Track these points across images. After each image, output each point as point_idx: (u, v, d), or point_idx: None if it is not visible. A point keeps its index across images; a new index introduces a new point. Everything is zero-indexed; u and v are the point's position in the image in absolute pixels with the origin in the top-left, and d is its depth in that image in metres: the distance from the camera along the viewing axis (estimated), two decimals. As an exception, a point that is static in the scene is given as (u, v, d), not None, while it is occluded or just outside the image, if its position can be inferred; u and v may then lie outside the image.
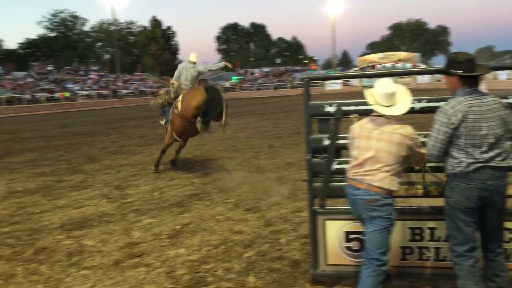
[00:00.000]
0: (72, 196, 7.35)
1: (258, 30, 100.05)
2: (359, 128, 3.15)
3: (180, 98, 8.60)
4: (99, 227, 5.64)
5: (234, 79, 69.28)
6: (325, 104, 3.69)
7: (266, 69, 71.32)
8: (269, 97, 53.04)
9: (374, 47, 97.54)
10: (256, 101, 41.81)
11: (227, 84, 68.54)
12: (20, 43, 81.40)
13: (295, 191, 6.84)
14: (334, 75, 9.66)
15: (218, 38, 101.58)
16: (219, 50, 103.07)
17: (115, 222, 5.81)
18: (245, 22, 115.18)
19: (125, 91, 57.12)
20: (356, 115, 3.51)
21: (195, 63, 9.30)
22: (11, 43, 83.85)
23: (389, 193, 3.04)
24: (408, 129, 3.04)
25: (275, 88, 61.06)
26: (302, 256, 4.33)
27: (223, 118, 8.23)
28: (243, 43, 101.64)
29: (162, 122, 9.65)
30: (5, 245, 5.11)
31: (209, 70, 10.37)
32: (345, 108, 3.61)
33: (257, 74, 69.13)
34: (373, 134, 3.06)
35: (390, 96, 3.03)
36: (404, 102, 3.08)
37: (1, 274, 4.27)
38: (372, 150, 3.04)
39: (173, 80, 9.41)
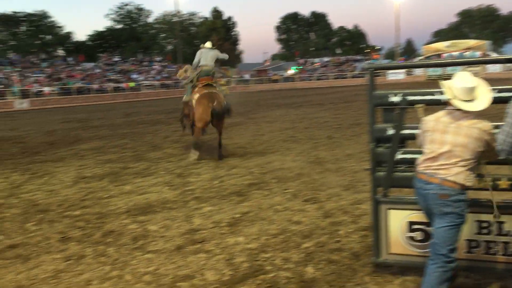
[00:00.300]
0: (137, 182, 7.65)
1: (318, 19, 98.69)
2: (434, 121, 3.04)
3: (196, 97, 9.51)
4: (162, 213, 5.83)
5: (294, 69, 68.92)
6: (390, 94, 3.61)
7: (326, 59, 70.38)
8: (329, 87, 52.36)
9: (440, 35, 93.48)
10: (315, 91, 41.42)
11: (285, 74, 68.39)
12: (89, 35, 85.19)
13: (354, 183, 6.74)
14: (399, 64, 9.35)
15: (278, 28, 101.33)
16: (279, 40, 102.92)
17: (177, 208, 5.99)
18: (305, 11, 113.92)
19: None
20: (421, 105, 3.41)
21: (211, 48, 10.61)
22: (81, 35, 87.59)
23: (463, 189, 2.93)
24: (486, 124, 2.91)
25: (335, 78, 60.16)
26: (361, 249, 4.27)
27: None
28: (303, 32, 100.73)
29: (184, 97, 10.59)
30: (76, 227, 5.41)
31: (222, 58, 11.26)
32: (410, 98, 3.53)
33: (316, 64, 68.37)
34: (449, 128, 2.95)
35: (469, 90, 2.91)
36: (484, 97, 2.94)
37: (73, 254, 4.53)
38: (448, 144, 2.93)
39: (186, 67, 11.15)
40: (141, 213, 5.85)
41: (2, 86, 43.93)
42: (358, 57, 69.39)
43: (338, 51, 76.74)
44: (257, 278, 3.82)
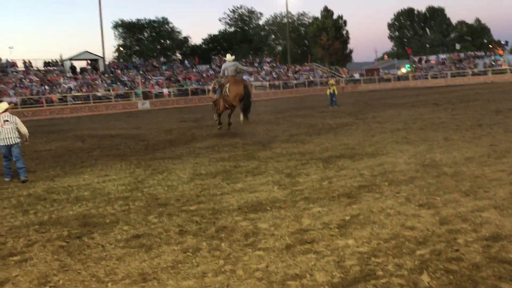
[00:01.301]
0: (248, 180, 7.89)
1: (435, 14, 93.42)
2: None
3: (228, 86, 14.79)
4: (272, 211, 5.95)
5: (407, 67, 65.98)
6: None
7: (442, 56, 66.27)
8: (446, 86, 49.35)
9: None
10: (431, 91, 39.27)
11: (398, 72, 65.73)
12: (203, 39, 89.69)
13: (475, 189, 6.28)
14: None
15: (391, 25, 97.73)
16: (391, 38, 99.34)
17: (286, 208, 6.07)
18: (421, 6, 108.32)
19: (295, 82, 58.86)
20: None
21: (232, 61, 15.20)
22: (197, 39, 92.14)
23: None
24: None
25: (452, 76, 56.47)
26: (483, 260, 3.96)
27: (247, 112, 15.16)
28: (418, 28, 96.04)
29: (214, 96, 15.77)
30: (192, 221, 5.73)
31: (241, 69, 16.12)
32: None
33: (432, 62, 64.70)
34: None
35: None
36: None
37: (189, 247, 4.81)
38: None
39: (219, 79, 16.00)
40: (252, 210, 6.02)
41: (127, 88, 47.95)
42: (480, 53, 64.29)
43: (457, 47, 71.71)
44: (368, 283, 3.73)
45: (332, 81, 34.45)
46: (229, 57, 15.33)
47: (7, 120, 9.30)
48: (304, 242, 4.73)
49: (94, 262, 4.56)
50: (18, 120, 9.60)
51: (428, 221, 5.13)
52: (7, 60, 48.69)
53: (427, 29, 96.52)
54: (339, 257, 4.27)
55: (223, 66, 15.30)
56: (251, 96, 14.96)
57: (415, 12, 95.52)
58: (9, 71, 46.29)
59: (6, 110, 9.40)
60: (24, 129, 9.58)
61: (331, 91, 26.69)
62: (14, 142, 9.33)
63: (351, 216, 5.50)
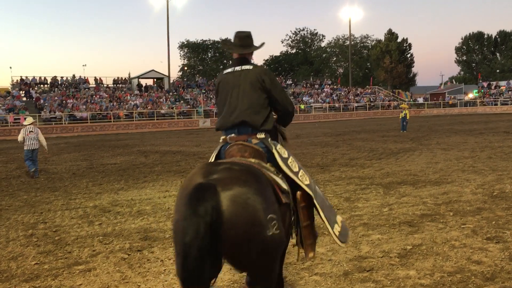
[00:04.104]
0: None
1: (506, 38, 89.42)
2: None
3: None
4: (329, 236, 5.82)
5: (475, 92, 63.45)
6: None
7: (514, 82, 63.18)
8: (517, 113, 46.88)
9: None
10: (500, 118, 37.43)
11: (465, 98, 63.33)
12: (265, 60, 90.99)
13: (550, 225, 5.87)
14: None
15: (459, 49, 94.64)
16: (458, 62, 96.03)
17: (344, 233, 5.94)
18: (491, 30, 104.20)
19: (356, 104, 58.14)
20: None
21: None
22: (259, 60, 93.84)
23: None
24: None
25: (525, 103, 53.57)
26: (559, 303, 3.68)
27: None
28: (487, 53, 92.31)
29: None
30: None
31: None
32: None
33: (503, 87, 61.81)
34: None
35: None
36: None
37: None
38: None
39: None
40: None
41: (189, 106, 49.32)
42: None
43: (530, 72, 68.28)
44: (430, 318, 3.56)
45: (405, 104, 33.28)
46: None
47: (31, 131, 12.62)
48: (363, 269, 4.61)
49: (153, 276, 4.67)
50: (39, 132, 12.85)
51: (496, 256, 4.84)
52: (80, 77, 51.73)
53: (497, 54, 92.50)
54: (399, 288, 4.12)
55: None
56: None
57: (485, 36, 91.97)
58: (81, 87, 49.10)
59: (32, 123, 12.72)
60: (43, 139, 12.80)
61: (403, 115, 25.90)
62: (35, 147, 12.61)
63: (412, 245, 5.31)
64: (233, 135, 3.33)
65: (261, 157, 3.23)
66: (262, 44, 3.60)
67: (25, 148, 12.57)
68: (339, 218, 3.61)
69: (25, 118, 13.74)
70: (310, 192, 3.28)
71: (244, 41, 3.49)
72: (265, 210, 2.59)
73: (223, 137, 3.40)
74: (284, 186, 3.07)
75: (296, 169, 3.31)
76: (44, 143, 12.81)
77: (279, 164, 3.26)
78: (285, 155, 3.35)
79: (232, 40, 3.51)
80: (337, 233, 3.46)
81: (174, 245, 2.60)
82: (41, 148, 13.05)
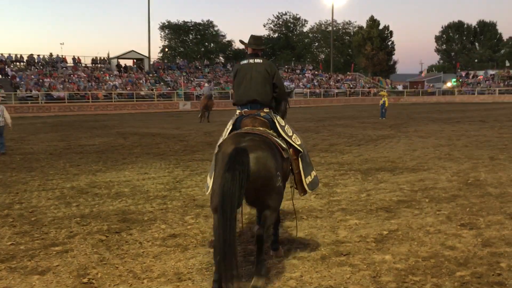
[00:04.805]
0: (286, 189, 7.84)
1: (486, 28, 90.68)
2: None
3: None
4: (308, 220, 5.91)
5: (453, 81, 64.33)
6: None
7: (491, 72, 64.24)
8: (494, 103, 47.79)
9: None
10: (477, 107, 38.14)
11: (443, 87, 64.19)
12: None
13: (521, 212, 6.04)
14: None
15: (438, 38, 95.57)
16: (438, 51, 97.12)
17: (322, 218, 6.02)
18: (471, 20, 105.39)
19: (336, 90, 58.41)
20: None
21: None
22: (240, 44, 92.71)
23: None
24: None
25: (500, 93, 54.62)
26: (528, 288, 3.81)
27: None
28: (466, 43, 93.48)
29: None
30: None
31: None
32: None
33: (480, 77, 62.83)
34: None
35: None
36: None
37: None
38: None
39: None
40: (287, 218, 6.00)
41: (170, 88, 48.85)
42: (531, 71, 61.88)
43: (507, 64, 69.32)
44: (404, 301, 3.65)
45: (384, 92, 33.56)
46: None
47: None
48: (340, 254, 4.68)
49: (131, 258, 4.66)
50: (4, 109, 12.98)
51: (469, 242, 4.97)
52: (57, 56, 50.62)
53: (476, 44, 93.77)
54: (375, 272, 4.20)
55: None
56: None
57: (465, 25, 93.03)
58: (59, 66, 48.08)
59: None
60: (8, 116, 12.90)
61: (382, 102, 26.11)
62: (1, 125, 12.80)
63: (389, 231, 5.40)
64: (246, 109, 4.61)
65: (266, 126, 4.48)
66: (268, 45, 4.34)
67: None
68: (313, 173, 4.83)
69: None
70: (300, 149, 4.57)
71: (257, 41, 4.81)
72: (276, 169, 3.89)
73: (238, 111, 4.69)
74: (284, 145, 4.34)
75: (290, 134, 4.61)
76: (9, 121, 12.92)
77: (278, 130, 4.54)
78: (283, 123, 4.66)
79: (247, 40, 4.77)
80: (307, 182, 4.65)
81: (214, 180, 3.96)
82: (6, 126, 13.00)
